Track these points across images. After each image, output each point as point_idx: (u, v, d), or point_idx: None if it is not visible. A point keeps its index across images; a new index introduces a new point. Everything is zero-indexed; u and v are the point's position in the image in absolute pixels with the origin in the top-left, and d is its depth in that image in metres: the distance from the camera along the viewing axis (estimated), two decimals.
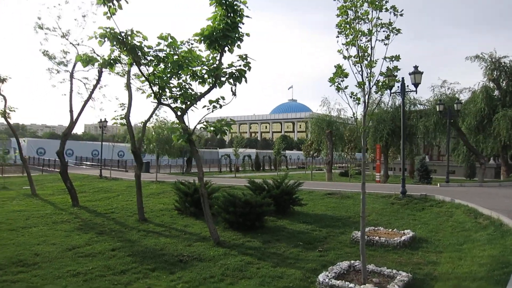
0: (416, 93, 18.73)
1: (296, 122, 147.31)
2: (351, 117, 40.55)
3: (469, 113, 29.15)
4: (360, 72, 7.57)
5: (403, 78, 19.15)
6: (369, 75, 7.57)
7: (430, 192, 17.39)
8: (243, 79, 9.54)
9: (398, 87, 19.12)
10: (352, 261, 7.79)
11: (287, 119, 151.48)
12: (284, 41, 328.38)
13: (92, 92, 16.58)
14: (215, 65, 9.58)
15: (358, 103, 7.34)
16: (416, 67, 18.04)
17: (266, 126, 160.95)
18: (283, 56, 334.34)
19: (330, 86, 7.91)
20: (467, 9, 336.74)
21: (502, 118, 26.32)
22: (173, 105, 10.01)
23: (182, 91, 9.73)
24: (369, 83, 7.56)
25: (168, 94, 9.98)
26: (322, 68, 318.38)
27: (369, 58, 7.56)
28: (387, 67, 7.62)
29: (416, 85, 17.98)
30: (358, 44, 7.64)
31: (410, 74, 18.10)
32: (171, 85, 9.92)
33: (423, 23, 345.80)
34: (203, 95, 9.85)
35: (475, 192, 18.01)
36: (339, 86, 7.76)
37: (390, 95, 25.24)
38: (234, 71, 9.57)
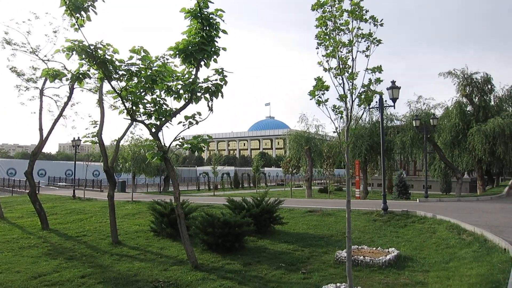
0: (394, 108, 18.71)
1: (274, 139, 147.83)
2: (331, 132, 40.78)
3: (444, 128, 29.51)
4: (342, 85, 7.30)
5: (379, 94, 19.20)
6: (351, 87, 7.31)
7: (411, 207, 17.24)
8: (220, 93, 9.18)
9: (377, 102, 19.12)
10: (338, 284, 7.37)
11: (265, 136, 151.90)
12: (260, 59, 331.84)
13: (63, 110, 15.89)
14: (190, 80, 9.19)
15: (341, 117, 7.06)
16: (393, 82, 18.03)
17: (244, 144, 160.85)
18: (260, 73, 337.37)
19: (310, 99, 7.61)
20: (438, 28, 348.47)
21: (476, 133, 26.69)
22: (147, 122, 9.54)
23: (156, 107, 9.28)
24: (352, 96, 7.29)
25: (141, 110, 9.51)
26: (299, 85, 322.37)
27: (350, 70, 7.31)
28: (369, 79, 7.37)
29: (394, 100, 17.96)
30: (338, 56, 7.38)
31: (387, 89, 18.06)
32: (145, 101, 9.46)
33: (397, 40, 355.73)
34: (178, 111, 9.42)
35: (454, 207, 17.95)
36: (320, 99, 7.45)
37: (368, 110, 25.33)
38: (210, 85, 9.20)
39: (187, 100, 9.32)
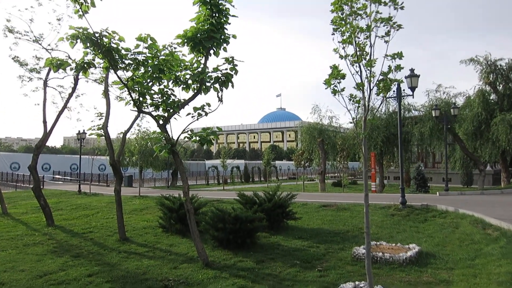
0: (413, 97, 18.49)
1: (286, 131, 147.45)
2: (345, 124, 40.48)
3: (466, 118, 29.05)
4: (359, 73, 7.14)
5: (398, 82, 18.91)
6: (369, 75, 7.14)
7: (431, 201, 17.03)
8: (230, 83, 9.07)
9: (394, 91, 18.80)
10: (357, 282, 7.27)
11: (276, 128, 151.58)
12: (272, 48, 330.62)
13: (67, 101, 15.92)
14: (199, 69, 9.09)
15: (358, 107, 6.91)
16: (412, 70, 17.74)
17: (254, 136, 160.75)
18: (271, 63, 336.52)
19: (326, 88, 7.47)
20: (458, 14, 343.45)
21: (500, 122, 26.22)
22: (154, 114, 9.48)
23: (164, 97, 9.21)
24: (369, 85, 7.14)
25: (148, 101, 9.45)
26: (312, 75, 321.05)
27: (368, 57, 7.14)
28: (389, 66, 7.20)
29: (412, 89, 17.69)
30: (355, 42, 7.22)
31: (406, 77, 17.76)
32: (152, 91, 9.40)
33: (415, 27, 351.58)
34: (187, 102, 9.34)
35: (477, 201, 17.70)
36: (336, 88, 7.32)
37: (385, 100, 25.03)
38: (220, 75, 9.10)
39: (195, 91, 9.24)
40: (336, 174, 60.42)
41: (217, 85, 9.09)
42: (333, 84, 7.34)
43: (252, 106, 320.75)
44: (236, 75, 8.97)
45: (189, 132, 9.01)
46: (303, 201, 18.21)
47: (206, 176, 51.51)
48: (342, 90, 7.24)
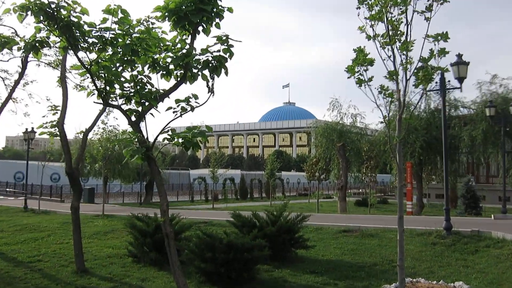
0: (461, 91, 18.52)
1: (295, 133, 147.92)
2: (374, 124, 40.53)
3: None
4: (392, 58, 7.21)
5: (442, 71, 18.95)
6: (404, 61, 7.20)
7: (484, 227, 17.07)
8: (223, 70, 9.09)
9: (436, 83, 18.81)
10: None
11: (282, 128, 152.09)
12: (275, 26, 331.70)
13: (12, 90, 16.00)
14: (184, 51, 9.12)
15: (391, 102, 6.98)
16: (459, 56, 17.74)
17: (254, 139, 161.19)
18: (275, 45, 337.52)
19: (348, 77, 7.54)
20: None
21: None
22: (124, 107, 9.50)
23: (138, 87, 9.23)
24: (405, 73, 7.20)
25: (117, 91, 9.47)
26: (328, 60, 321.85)
27: (403, 38, 7.21)
28: (431, 49, 7.26)
29: (460, 80, 17.72)
30: (387, 18, 7.29)
31: (452, 65, 17.74)
32: (122, 78, 9.42)
33: (461, 4, 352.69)
34: (167, 92, 9.37)
35: None
36: (361, 77, 7.40)
37: (425, 94, 25.11)
38: (210, 58, 9.12)
39: (179, 79, 9.27)
40: (360, 190, 60.57)
41: (206, 72, 9.11)
42: (357, 72, 7.42)
43: (252, 100, 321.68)
44: (231, 58, 8.99)
45: (170, 133, 9.04)
46: (318, 224, 18.24)
47: (190, 190, 51.56)
48: (370, 79, 7.31)
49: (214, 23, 9.11)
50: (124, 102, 9.59)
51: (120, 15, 8.86)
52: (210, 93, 9.10)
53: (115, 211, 26.73)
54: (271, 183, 45.44)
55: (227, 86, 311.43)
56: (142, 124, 9.58)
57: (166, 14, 8.90)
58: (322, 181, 42.93)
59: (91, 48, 9.11)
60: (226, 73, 9.13)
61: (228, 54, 9.06)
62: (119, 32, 8.97)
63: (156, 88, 9.51)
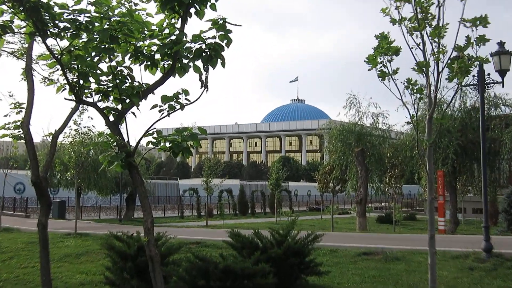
0: (503, 86, 18.50)
1: (305, 136, 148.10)
2: (399, 125, 40.55)
3: None
4: (421, 46, 7.19)
5: (481, 62, 18.91)
6: (436, 50, 7.17)
7: None
8: (220, 60, 9.08)
9: (474, 76, 18.79)
10: None
11: (289, 130, 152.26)
12: (283, 10, 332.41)
13: None
14: (173, 38, 9.14)
15: (420, 99, 6.97)
16: (502, 44, 17.70)
17: (256, 143, 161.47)
18: (282, 32, 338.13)
19: (369, 69, 7.53)
20: None
21: None
22: (101, 105, 9.51)
23: (117, 80, 9.24)
24: (437, 65, 7.17)
25: (93, 86, 9.48)
26: (344, 49, 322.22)
27: (434, 22, 7.19)
28: (467, 36, 7.23)
29: (502, 73, 17.69)
30: None
31: (492, 55, 17.66)
32: (99, 71, 9.44)
33: None
34: (152, 87, 9.36)
35: None
36: (384, 70, 7.38)
37: (460, 90, 25.09)
38: (204, 47, 9.12)
39: (166, 71, 9.28)
40: (383, 204, 60.60)
41: (199, 63, 9.10)
42: (380, 63, 7.40)
43: (254, 96, 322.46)
44: (228, 47, 8.98)
45: (155, 135, 9.04)
46: (332, 245, 18.18)
47: (180, 204, 51.59)
48: (395, 72, 7.29)
49: (208, 3, 9.11)
50: (100, 98, 9.58)
51: None
52: (203, 88, 9.10)
53: (90, 229, 26.73)
54: (276, 196, 45.36)
55: (224, 80, 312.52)
56: (122, 125, 9.58)
57: None
58: (337, 193, 42.73)
59: (62, 34, 9.10)
60: (223, 64, 9.12)
61: (225, 41, 9.05)
62: (96, 15, 8.96)
63: (139, 82, 9.50)
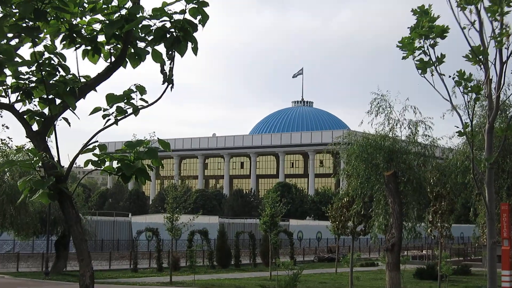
0: None
1: (313, 153, 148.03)
2: (452, 136, 40.15)
3: None
4: (477, 25, 7.25)
5: None
6: (498, 31, 7.24)
7: None
8: (190, 44, 9.14)
9: None
10: None
11: (291, 146, 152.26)
12: None
13: None
14: (123, 12, 9.20)
15: (476, 99, 6.98)
16: None
17: (242, 163, 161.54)
18: (279, 6, 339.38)
19: (404, 57, 7.54)
20: None
21: None
22: (21, 108, 9.54)
23: (44, 72, 9.29)
24: (499, 52, 7.23)
25: (9, 80, 9.51)
26: (365, 28, 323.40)
27: None
28: None
29: None
30: None
31: None
32: (18, 59, 9.49)
33: None
34: (93, 83, 9.40)
35: None
36: (424, 59, 7.42)
37: None
38: (169, 25, 9.19)
39: (113, 59, 9.33)
40: (424, 252, 60.46)
41: (161, 48, 9.15)
42: (419, 48, 7.43)
43: (240, 97, 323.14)
44: (203, 25, 9.04)
45: (97, 151, 9.05)
46: None
47: (132, 251, 51.26)
48: (440, 60, 7.33)
49: None
50: (20, 98, 9.62)
51: None
52: (167, 84, 9.14)
53: (3, 287, 26.63)
54: (272, 240, 45.24)
55: (196, 73, 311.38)
56: (50, 138, 9.59)
57: None
58: (359, 236, 42.71)
59: None
60: (195, 50, 9.15)
61: (199, 17, 9.09)
62: None
63: (74, 74, 9.55)
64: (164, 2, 8.92)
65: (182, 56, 9.10)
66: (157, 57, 9.15)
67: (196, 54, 9.15)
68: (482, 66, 6.85)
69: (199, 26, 9.04)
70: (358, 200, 37.50)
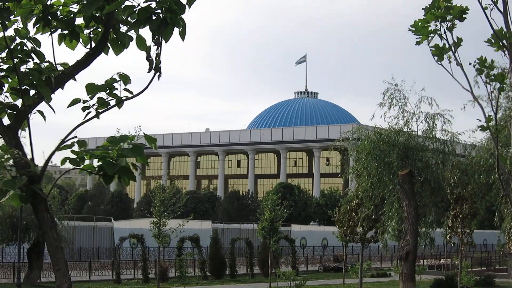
0: None
1: (319, 150, 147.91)
2: (475, 130, 39.96)
3: None
4: (500, 5, 7.27)
5: None
6: None
7: None
8: (177, 28, 9.17)
9: None
10: None
11: (293, 142, 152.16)
12: None
13: None
14: None
15: (501, 90, 7.00)
16: None
17: (239, 161, 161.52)
18: None
19: (417, 43, 7.58)
20: None
21: None
22: None
23: (15, 60, 9.31)
24: None
25: None
26: (380, 12, 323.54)
27: None
28: None
29: None
30: None
31: None
32: None
33: None
34: (71, 71, 9.42)
35: None
36: (440, 44, 7.44)
37: None
38: (154, 6, 9.22)
39: (93, 44, 9.36)
40: (443, 261, 60.51)
41: (146, 31, 9.19)
42: (434, 31, 7.45)
43: (235, 88, 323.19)
44: (190, 5, 9.05)
45: (76, 148, 9.08)
46: None
47: (115, 260, 51.27)
48: (457, 44, 7.34)
49: None
50: None
51: None
52: (153, 72, 9.15)
53: None
54: (271, 247, 45.28)
55: (188, 62, 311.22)
56: (23, 133, 9.62)
57: None
58: (370, 243, 42.81)
59: None
60: (183, 35, 9.17)
61: None
62: None
63: (49, 62, 9.58)
64: None
65: (166, 41, 9.12)
66: (141, 43, 9.17)
67: (183, 39, 9.14)
68: (506, 52, 6.82)
69: (187, 7, 9.09)
70: (368, 203, 37.47)
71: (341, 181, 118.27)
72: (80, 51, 9.37)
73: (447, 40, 7.10)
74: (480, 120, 7.44)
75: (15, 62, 9.24)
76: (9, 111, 9.49)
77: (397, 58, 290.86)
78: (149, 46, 9.14)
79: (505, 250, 51.98)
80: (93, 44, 9.26)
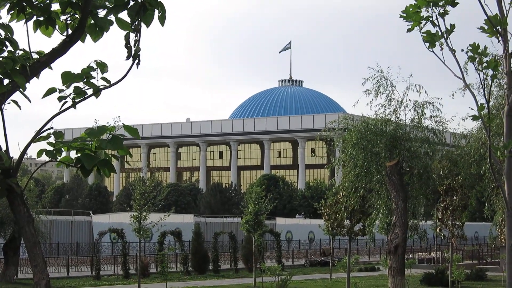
0: None
1: (304, 141, 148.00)
2: (465, 118, 39.94)
3: None
4: None
5: None
6: None
7: None
8: (157, 12, 9.13)
9: None
10: None
11: (277, 132, 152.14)
12: None
13: None
14: None
15: (494, 77, 6.99)
16: None
17: (221, 153, 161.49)
18: None
19: (409, 30, 7.57)
20: None
21: None
22: None
23: None
24: None
25: None
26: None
27: None
28: None
29: None
30: None
31: None
32: None
33: None
34: (47, 59, 9.36)
35: None
36: (433, 31, 7.43)
37: None
38: None
39: (70, 31, 9.31)
40: (433, 254, 60.67)
41: (124, 16, 9.14)
42: (426, 18, 7.43)
43: (218, 76, 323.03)
44: None
45: (52, 140, 9.03)
46: None
47: (94, 255, 51.14)
48: (449, 31, 7.32)
49: None
50: None
51: None
52: (132, 59, 9.11)
53: None
54: (256, 241, 45.23)
55: (167, 49, 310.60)
56: None
57: None
58: (357, 236, 42.82)
59: None
60: (162, 20, 9.13)
61: None
62: None
63: (24, 50, 9.54)
64: None
65: (148, 26, 9.07)
66: (123, 25, 9.11)
67: (163, 25, 9.11)
68: (500, 39, 6.79)
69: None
70: (354, 195, 37.43)
71: (327, 172, 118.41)
72: (57, 38, 9.32)
73: (439, 26, 7.07)
74: (472, 109, 7.41)
75: None
76: None
77: (384, 46, 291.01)
78: (128, 33, 9.09)
79: (497, 243, 52.06)
80: (70, 31, 9.20)
